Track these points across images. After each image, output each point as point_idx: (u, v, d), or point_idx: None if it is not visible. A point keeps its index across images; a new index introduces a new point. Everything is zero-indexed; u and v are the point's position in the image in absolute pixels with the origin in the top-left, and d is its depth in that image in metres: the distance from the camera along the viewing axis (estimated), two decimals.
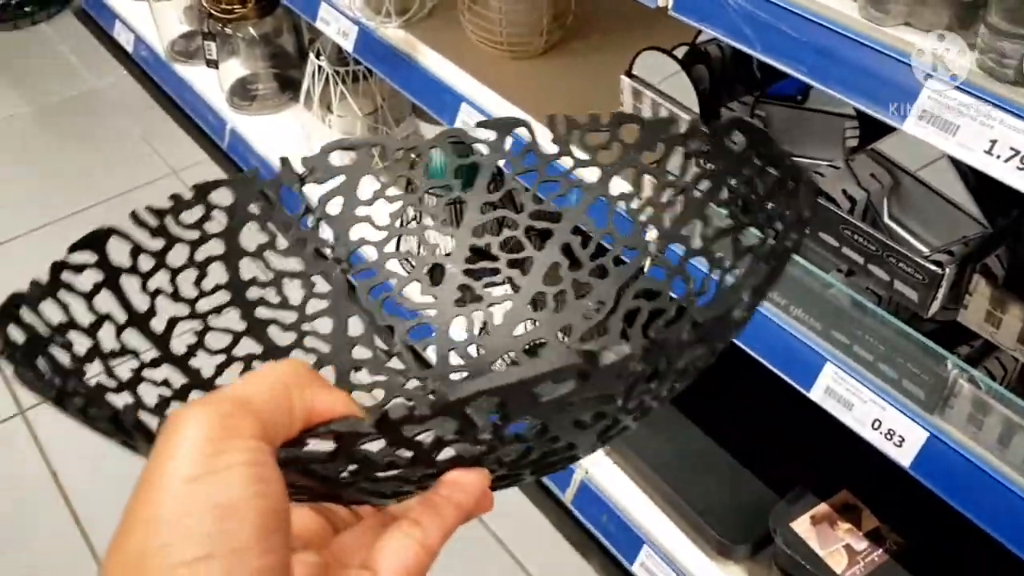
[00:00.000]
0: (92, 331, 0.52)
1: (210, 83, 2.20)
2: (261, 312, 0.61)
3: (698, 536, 1.28)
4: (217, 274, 0.60)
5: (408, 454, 0.35)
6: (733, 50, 1.05)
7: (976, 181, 0.90)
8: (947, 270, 0.85)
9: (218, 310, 0.60)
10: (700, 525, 1.26)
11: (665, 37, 1.08)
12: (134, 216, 0.57)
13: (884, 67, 0.78)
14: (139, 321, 0.56)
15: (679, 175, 0.57)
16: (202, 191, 0.59)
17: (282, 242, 0.62)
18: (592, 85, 1.36)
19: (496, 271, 0.65)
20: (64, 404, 0.39)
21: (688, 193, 0.57)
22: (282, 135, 2.07)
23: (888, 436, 0.94)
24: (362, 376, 0.62)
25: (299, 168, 0.62)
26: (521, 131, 0.63)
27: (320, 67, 1.77)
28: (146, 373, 0.54)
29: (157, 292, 0.57)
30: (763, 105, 1.03)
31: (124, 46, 2.53)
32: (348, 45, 1.55)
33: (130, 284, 0.56)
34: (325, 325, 0.63)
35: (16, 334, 0.46)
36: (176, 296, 0.58)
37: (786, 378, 1.00)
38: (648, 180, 0.59)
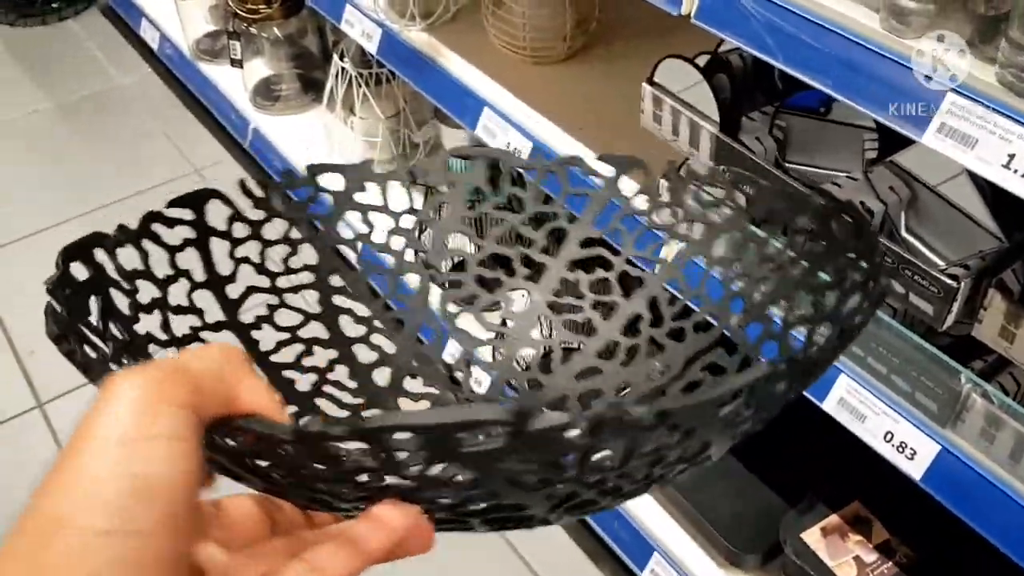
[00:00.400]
0: (165, 284, 0.53)
1: (234, 82, 2.22)
2: (339, 299, 0.61)
3: (708, 545, 1.28)
4: (307, 255, 0.60)
5: (324, 470, 0.33)
6: (755, 60, 1.06)
7: (993, 195, 0.90)
8: (962, 284, 0.85)
9: (296, 289, 0.60)
10: (711, 533, 1.26)
11: (688, 45, 1.09)
12: (241, 185, 0.57)
13: (904, 80, 0.78)
14: (216, 284, 0.56)
15: (782, 250, 0.55)
16: (314, 172, 0.59)
17: (378, 236, 0.63)
18: (614, 91, 1.37)
19: (579, 309, 0.63)
20: (60, 343, 0.39)
21: (784, 271, 0.54)
22: (304, 136, 2.09)
23: (900, 449, 0.94)
24: (415, 384, 0.62)
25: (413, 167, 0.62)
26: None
27: (343, 69, 1.79)
28: (204, 335, 0.54)
29: (244, 260, 0.57)
30: (783, 116, 1.03)
31: (149, 44, 2.55)
32: (372, 47, 1.57)
33: (219, 247, 0.56)
34: (397, 326, 0.62)
35: (79, 271, 0.46)
36: (260, 268, 0.59)
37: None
38: (750, 248, 0.57)
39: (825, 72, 0.83)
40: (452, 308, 0.64)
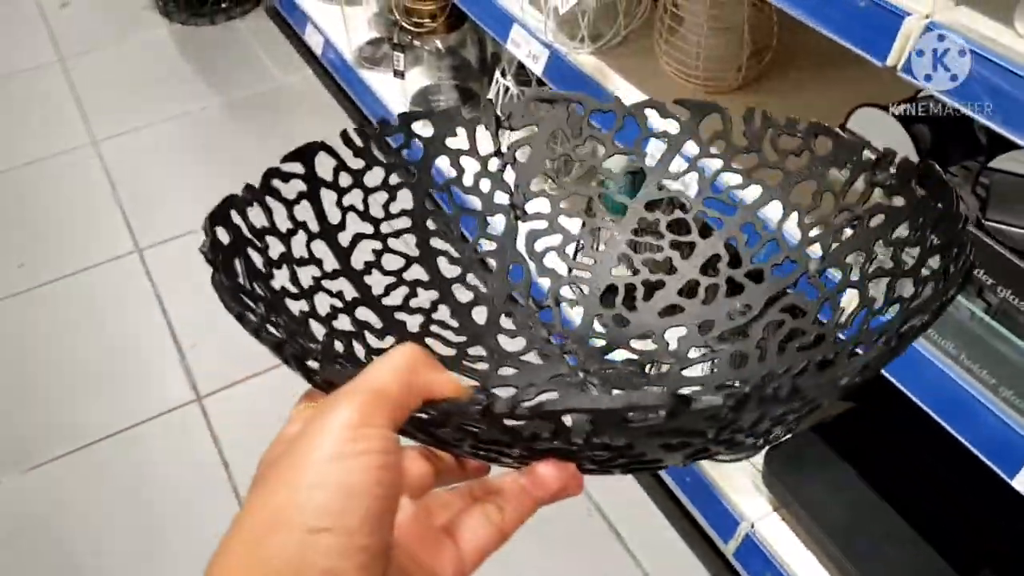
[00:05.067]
0: (287, 237, 0.57)
1: (393, 91, 2.25)
2: (435, 242, 0.65)
3: None
4: (404, 200, 0.65)
5: (503, 438, 0.39)
6: (955, 111, 1.00)
7: None
8: None
9: (398, 234, 0.64)
10: None
11: (869, 85, 1.03)
12: (343, 135, 0.62)
13: None
14: (329, 233, 0.61)
15: (858, 201, 0.57)
16: (406, 120, 0.64)
17: (468, 179, 0.67)
18: None
19: (659, 248, 0.66)
20: (243, 320, 0.44)
21: (861, 222, 0.57)
22: None
23: None
24: (509, 322, 0.65)
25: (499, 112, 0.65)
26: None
27: (507, 88, 1.78)
28: (324, 283, 0.59)
29: (350, 208, 0.62)
30: (989, 173, 0.97)
31: (313, 48, 2.61)
32: (537, 68, 1.56)
33: (328, 198, 0.61)
34: (490, 266, 0.66)
35: (223, 235, 0.51)
36: (365, 215, 0.63)
37: (989, 463, 0.94)
38: (827, 198, 0.59)
39: None
40: (539, 247, 0.67)
